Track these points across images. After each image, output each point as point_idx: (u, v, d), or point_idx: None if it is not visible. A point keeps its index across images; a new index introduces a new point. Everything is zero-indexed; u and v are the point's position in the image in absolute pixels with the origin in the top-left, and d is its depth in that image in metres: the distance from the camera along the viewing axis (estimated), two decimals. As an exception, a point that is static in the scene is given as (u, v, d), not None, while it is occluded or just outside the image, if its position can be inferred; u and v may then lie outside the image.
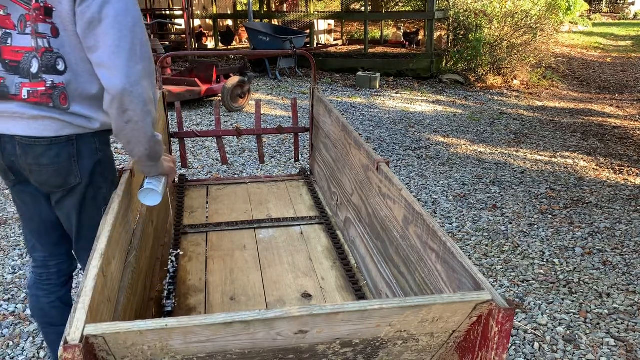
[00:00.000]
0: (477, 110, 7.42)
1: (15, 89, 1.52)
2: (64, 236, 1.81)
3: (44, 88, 1.52)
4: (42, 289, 1.86)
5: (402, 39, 12.51)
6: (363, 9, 11.74)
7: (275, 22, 11.85)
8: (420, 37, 12.29)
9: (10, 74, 1.51)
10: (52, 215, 1.75)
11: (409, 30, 12.65)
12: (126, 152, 1.72)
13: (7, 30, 1.50)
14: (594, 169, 4.98)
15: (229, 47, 12.92)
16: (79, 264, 1.88)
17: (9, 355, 2.39)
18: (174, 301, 1.94)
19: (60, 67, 1.52)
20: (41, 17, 1.48)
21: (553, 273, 3.11)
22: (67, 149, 1.58)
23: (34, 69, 1.50)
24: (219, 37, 12.75)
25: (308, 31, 11.13)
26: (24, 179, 1.66)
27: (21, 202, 1.75)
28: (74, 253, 1.83)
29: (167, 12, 12.98)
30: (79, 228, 1.72)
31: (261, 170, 4.77)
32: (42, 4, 1.47)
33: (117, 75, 1.44)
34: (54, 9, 1.47)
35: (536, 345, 2.49)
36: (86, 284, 1.14)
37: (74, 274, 1.99)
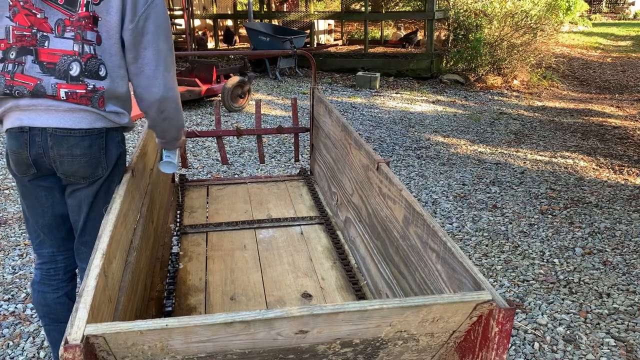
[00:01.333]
0: (477, 110, 7.42)
1: (52, 90, 1.58)
2: (72, 231, 1.85)
3: (84, 91, 1.60)
4: (48, 285, 1.88)
5: (401, 41, 12.51)
6: (363, 9, 11.74)
7: (275, 22, 11.86)
8: (420, 37, 12.28)
9: (46, 75, 1.58)
10: (64, 209, 1.79)
11: (407, 31, 12.63)
12: (157, 136, 1.96)
13: (45, 33, 1.57)
14: (594, 169, 4.98)
15: (230, 47, 12.93)
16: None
17: (9, 355, 2.39)
18: (174, 301, 1.94)
19: (102, 73, 1.63)
20: (89, 25, 1.59)
21: (553, 273, 3.11)
22: (98, 141, 1.67)
23: (74, 72, 1.59)
24: (222, 37, 12.74)
25: (308, 31, 11.13)
26: (43, 174, 1.70)
27: (35, 197, 1.76)
28: (74, 249, 1.85)
29: (167, 12, 12.96)
30: (86, 220, 1.76)
31: (261, 170, 4.77)
32: (91, 13, 1.58)
33: (155, 85, 1.68)
34: (100, 19, 1.59)
35: (536, 345, 2.49)
36: (88, 284, 1.14)
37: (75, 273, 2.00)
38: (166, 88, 1.70)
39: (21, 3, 1.56)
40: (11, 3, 1.56)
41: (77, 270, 1.93)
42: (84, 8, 1.57)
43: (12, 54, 1.57)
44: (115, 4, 1.59)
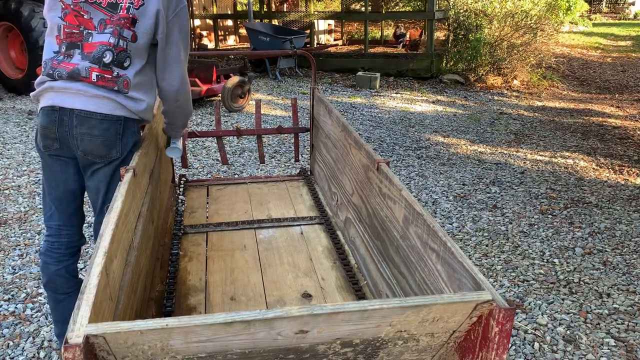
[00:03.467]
0: (477, 110, 7.42)
1: (85, 72, 1.86)
2: (80, 210, 2.10)
3: (110, 76, 1.89)
4: (51, 257, 2.06)
5: (394, 40, 12.51)
6: (363, 9, 11.74)
7: (275, 22, 11.85)
8: (407, 38, 12.26)
9: (83, 61, 1.87)
10: (76, 185, 2.03)
11: (399, 32, 12.59)
12: (167, 122, 2.32)
13: (90, 31, 1.88)
14: (594, 169, 4.98)
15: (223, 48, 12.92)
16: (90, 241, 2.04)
17: (9, 355, 2.39)
18: (174, 301, 1.94)
19: (126, 64, 1.92)
20: (127, 24, 1.88)
21: (553, 273, 3.11)
22: (115, 126, 1.92)
23: (107, 59, 1.88)
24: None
25: (308, 31, 11.13)
26: (64, 152, 1.95)
27: (50, 169, 2.00)
28: (92, 229, 2.07)
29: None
30: (104, 201, 1.97)
31: (261, 170, 4.77)
32: (130, 16, 1.88)
33: (175, 79, 2.02)
34: (138, 21, 1.89)
35: (536, 345, 2.49)
36: (90, 282, 1.14)
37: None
38: (182, 81, 2.03)
39: (71, 6, 1.87)
40: (63, 6, 1.87)
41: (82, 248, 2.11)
42: (125, 11, 1.88)
43: (63, 48, 1.89)
44: (152, 10, 1.89)
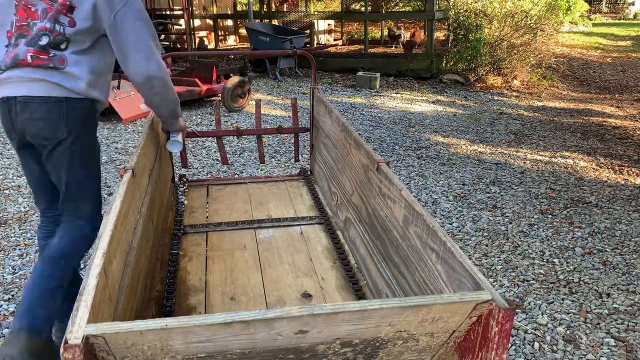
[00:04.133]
0: (477, 110, 7.42)
1: (22, 56, 1.94)
2: (57, 195, 2.15)
3: (47, 56, 1.95)
4: (41, 231, 2.29)
5: (389, 39, 12.50)
6: (363, 9, 11.74)
7: (275, 22, 11.85)
8: (403, 38, 12.25)
9: (23, 45, 1.95)
10: (42, 173, 2.12)
11: (395, 33, 12.57)
12: (156, 114, 2.39)
13: (35, 21, 1.97)
14: (594, 169, 4.98)
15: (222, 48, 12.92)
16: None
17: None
18: (174, 301, 1.94)
19: (63, 46, 1.97)
20: (64, 11, 1.96)
21: (553, 273, 3.11)
22: (56, 107, 1.96)
23: (43, 42, 1.94)
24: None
25: (308, 31, 11.13)
26: (24, 142, 2.03)
27: (25, 165, 2.16)
28: (59, 206, 2.13)
29: (167, 12, 12.98)
30: (68, 185, 2.06)
31: (261, 170, 4.77)
32: (68, 3, 1.95)
33: (140, 67, 2.02)
34: (76, 8, 1.96)
35: (536, 345, 2.49)
36: (88, 283, 1.14)
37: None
38: (150, 69, 2.03)
39: (22, 2, 1.97)
40: (16, 3, 1.98)
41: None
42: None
43: (12, 40, 1.98)
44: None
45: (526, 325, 2.63)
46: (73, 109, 1.98)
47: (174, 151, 2.54)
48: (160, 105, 2.25)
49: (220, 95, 7.03)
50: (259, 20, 11.35)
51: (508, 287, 2.97)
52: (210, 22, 13.66)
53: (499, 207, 4.03)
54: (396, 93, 8.55)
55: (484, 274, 2.91)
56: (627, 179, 4.69)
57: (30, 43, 1.93)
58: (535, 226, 3.72)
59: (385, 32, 13.81)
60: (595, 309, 2.76)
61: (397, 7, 15.06)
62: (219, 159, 4.98)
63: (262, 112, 5.71)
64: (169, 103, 2.24)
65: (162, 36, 11.54)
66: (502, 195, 4.27)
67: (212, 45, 13.12)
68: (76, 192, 2.07)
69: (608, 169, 4.98)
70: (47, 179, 2.12)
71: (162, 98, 2.18)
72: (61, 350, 0.93)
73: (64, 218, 2.10)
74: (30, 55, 1.93)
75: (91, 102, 2.04)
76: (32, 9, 1.98)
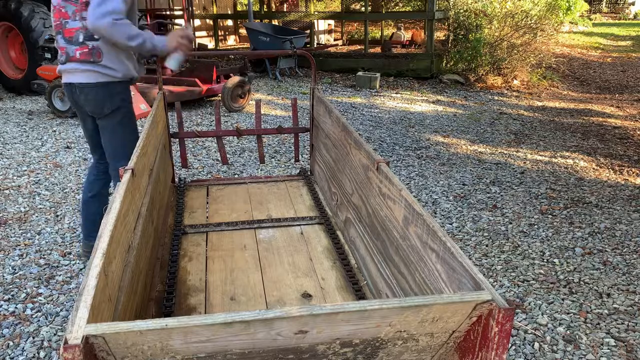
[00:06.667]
0: (477, 110, 7.42)
1: (72, 53, 2.62)
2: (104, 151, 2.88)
3: (87, 50, 2.59)
4: (91, 172, 3.00)
5: (384, 47, 12.49)
6: (363, 9, 11.74)
7: (275, 22, 11.85)
8: (406, 39, 12.21)
9: (68, 45, 2.62)
10: (95, 137, 2.87)
11: (389, 40, 12.53)
12: (134, 52, 2.76)
13: (66, 20, 2.61)
14: (594, 169, 4.98)
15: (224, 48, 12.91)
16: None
17: (9, 355, 2.39)
18: (174, 301, 1.94)
19: (96, 36, 2.56)
20: (84, 8, 2.52)
21: (553, 273, 3.11)
22: (102, 90, 2.66)
23: (81, 39, 2.59)
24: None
25: (308, 31, 11.13)
26: (85, 112, 2.79)
27: (84, 127, 2.90)
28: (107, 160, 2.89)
29: (167, 13, 12.98)
30: (110, 143, 2.79)
31: (261, 170, 4.77)
32: (84, 0, 2.51)
33: (90, 17, 2.43)
34: (89, 3, 2.45)
35: (536, 345, 2.49)
36: (88, 283, 1.14)
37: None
38: (94, 19, 2.41)
39: (57, 6, 2.63)
40: (53, 7, 2.65)
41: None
42: None
43: (56, 37, 2.68)
44: None
45: (526, 325, 2.63)
46: (114, 90, 2.67)
47: (172, 67, 2.69)
48: (123, 44, 2.51)
49: (220, 95, 7.03)
50: (259, 20, 11.35)
51: (508, 287, 2.97)
52: (210, 22, 13.66)
53: (499, 207, 4.03)
54: (396, 93, 8.55)
55: (484, 274, 2.91)
56: (627, 179, 4.69)
57: (73, 42, 2.59)
58: (535, 226, 3.72)
59: (386, 32, 13.82)
60: (595, 309, 2.76)
61: (397, 7, 15.05)
62: (219, 159, 4.98)
63: (262, 112, 5.71)
64: (124, 39, 2.48)
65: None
66: (502, 196, 4.27)
67: (212, 45, 13.12)
68: (116, 151, 2.76)
69: (608, 169, 4.98)
70: (99, 139, 2.83)
71: (117, 39, 2.48)
72: (61, 350, 0.93)
73: (110, 169, 2.86)
74: (78, 52, 2.60)
75: (128, 81, 2.72)
76: (63, 11, 2.61)
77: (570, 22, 15.43)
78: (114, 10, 2.41)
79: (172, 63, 2.66)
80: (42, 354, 2.40)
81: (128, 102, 2.78)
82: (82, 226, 3.07)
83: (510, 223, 3.76)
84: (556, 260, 3.26)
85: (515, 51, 9.21)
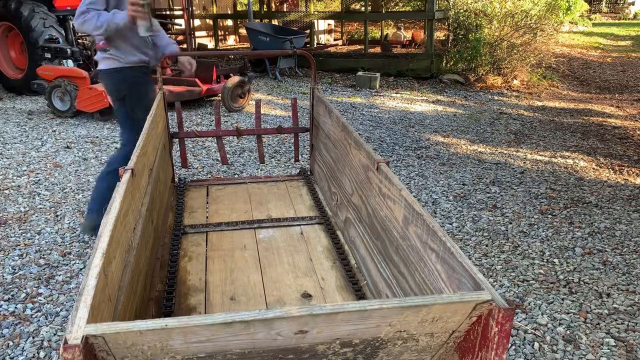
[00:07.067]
0: (477, 110, 7.42)
1: (98, 41, 3.04)
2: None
3: (101, 43, 2.99)
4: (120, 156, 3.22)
5: (383, 47, 12.49)
6: (363, 9, 11.74)
7: (275, 22, 11.85)
8: (407, 39, 12.19)
9: (98, 37, 3.01)
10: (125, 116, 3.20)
11: (388, 41, 12.51)
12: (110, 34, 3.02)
13: None
14: (594, 169, 4.98)
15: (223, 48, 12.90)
16: None
17: (9, 355, 2.39)
18: (173, 301, 1.94)
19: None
20: None
21: (553, 273, 3.11)
22: (117, 75, 3.03)
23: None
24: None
25: (308, 31, 11.13)
26: (114, 92, 3.14)
27: (116, 106, 3.19)
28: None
29: (167, 12, 12.98)
30: (133, 123, 3.07)
31: (261, 170, 4.77)
32: None
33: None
34: None
35: (536, 345, 2.49)
36: (88, 283, 1.14)
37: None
38: (75, 24, 2.88)
39: None
40: None
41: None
42: None
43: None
44: None
45: (526, 325, 2.63)
46: (128, 74, 3.02)
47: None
48: (99, 35, 2.90)
49: (220, 95, 7.03)
50: (259, 20, 11.35)
51: (508, 287, 2.97)
52: (210, 22, 13.66)
53: (499, 207, 4.03)
54: (396, 93, 8.55)
55: (484, 274, 2.91)
56: (627, 179, 4.69)
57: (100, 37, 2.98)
58: (535, 226, 3.72)
59: (386, 32, 13.81)
60: (595, 309, 2.76)
61: (397, 7, 15.05)
62: (219, 159, 4.98)
63: (262, 112, 5.71)
64: (99, 34, 2.86)
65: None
66: (502, 195, 4.27)
67: (212, 45, 13.12)
68: (132, 124, 3.07)
69: (608, 169, 4.98)
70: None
71: (91, 31, 2.86)
72: (60, 350, 0.93)
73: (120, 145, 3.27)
74: (101, 43, 3.01)
75: (140, 66, 3.05)
76: None
77: (570, 22, 15.43)
78: (80, 12, 2.87)
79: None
80: (42, 354, 2.40)
81: (144, 85, 3.09)
82: (91, 201, 3.30)
83: (510, 223, 3.76)
84: (556, 260, 3.26)
85: (515, 51, 9.21)
